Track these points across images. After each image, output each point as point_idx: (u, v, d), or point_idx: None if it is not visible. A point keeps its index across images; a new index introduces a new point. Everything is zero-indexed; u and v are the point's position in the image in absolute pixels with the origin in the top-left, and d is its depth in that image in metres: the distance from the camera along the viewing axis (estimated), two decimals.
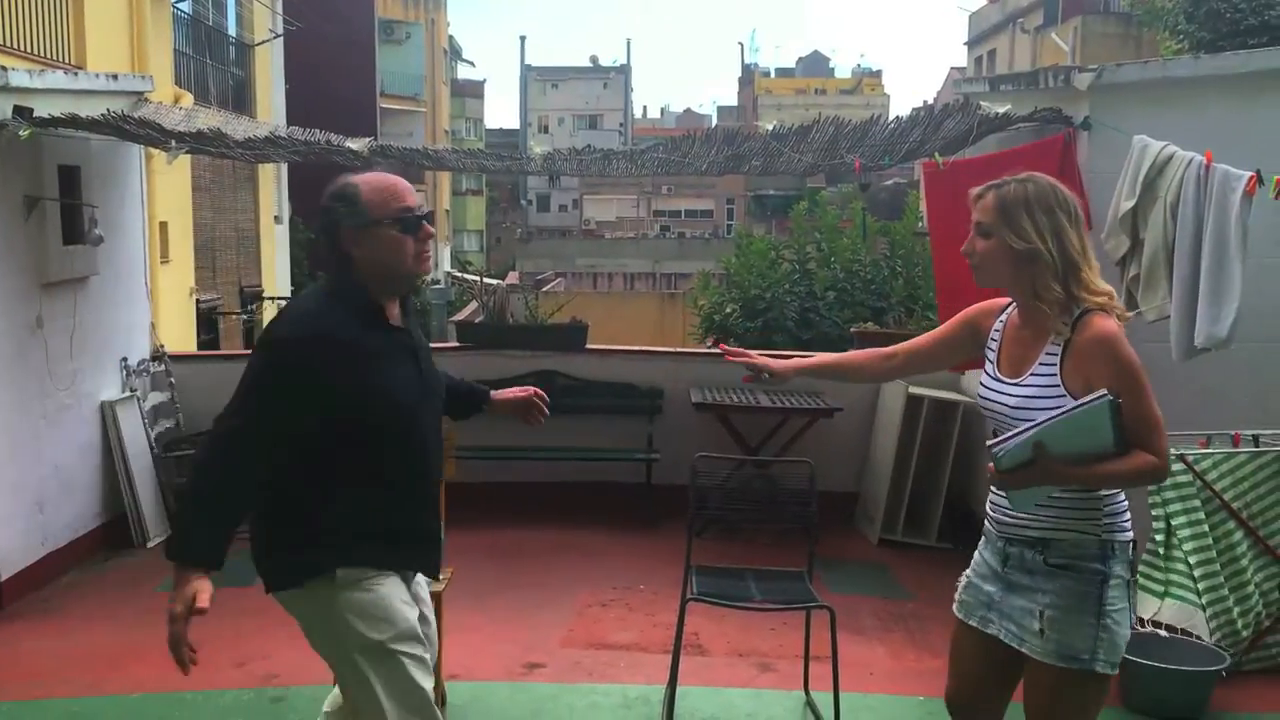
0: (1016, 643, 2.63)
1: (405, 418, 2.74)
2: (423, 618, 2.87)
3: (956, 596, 2.84)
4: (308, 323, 2.70)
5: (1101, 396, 2.44)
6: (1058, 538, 2.58)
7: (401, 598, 2.75)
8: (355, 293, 2.72)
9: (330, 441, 2.65)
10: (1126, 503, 2.63)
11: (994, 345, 2.76)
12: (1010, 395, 2.65)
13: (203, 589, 2.60)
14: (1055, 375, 2.57)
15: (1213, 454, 4.76)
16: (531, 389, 3.34)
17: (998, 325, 2.78)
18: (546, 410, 3.33)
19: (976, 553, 2.82)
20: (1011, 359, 2.69)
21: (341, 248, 2.72)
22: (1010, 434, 2.53)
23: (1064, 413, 2.48)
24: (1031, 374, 2.61)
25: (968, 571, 2.82)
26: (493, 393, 3.36)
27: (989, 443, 2.58)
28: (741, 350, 3.17)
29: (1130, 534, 2.61)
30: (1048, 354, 2.59)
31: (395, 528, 2.76)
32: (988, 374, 2.75)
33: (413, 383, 2.81)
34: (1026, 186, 2.61)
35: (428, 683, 2.72)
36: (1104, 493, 2.58)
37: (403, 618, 2.71)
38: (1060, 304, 2.57)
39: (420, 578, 2.96)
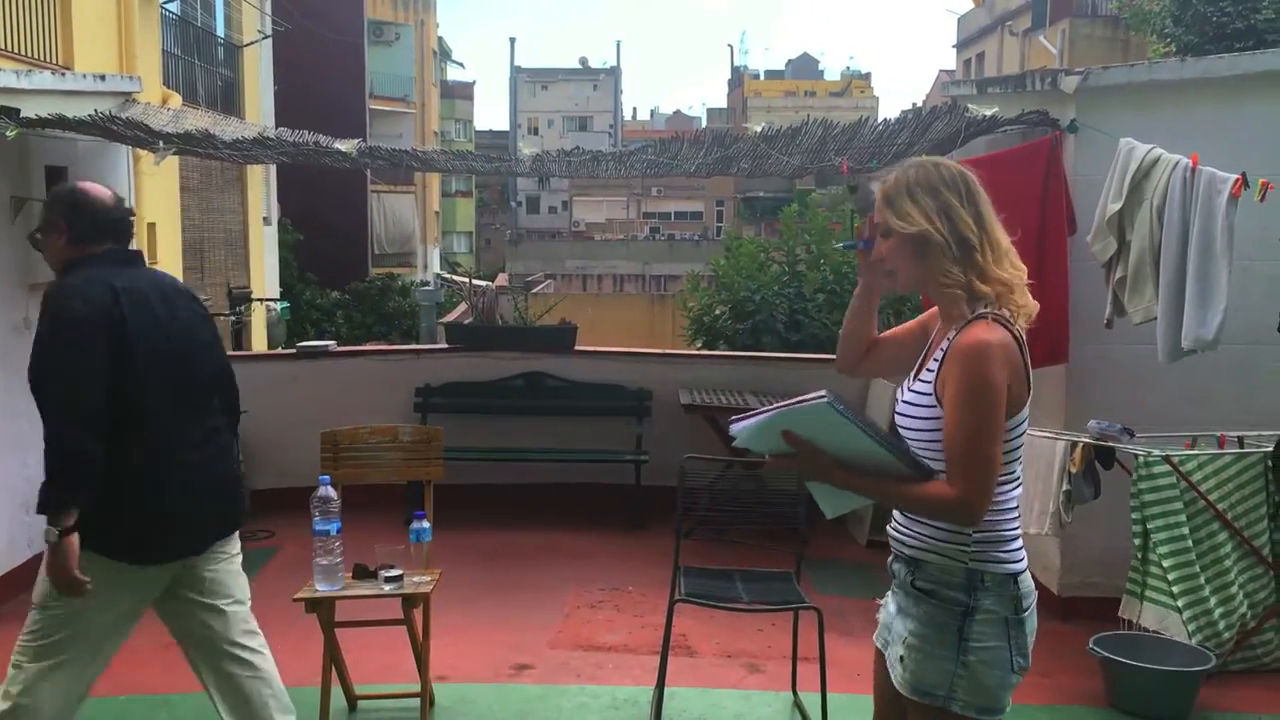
0: (890, 669, 2.44)
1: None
2: None
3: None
4: None
5: (820, 396, 2.23)
6: (925, 559, 2.36)
7: None
8: None
9: None
10: (1015, 532, 2.36)
11: (928, 348, 2.52)
12: (899, 400, 2.47)
13: None
14: (933, 382, 2.34)
15: (1198, 455, 4.78)
16: None
17: (938, 327, 2.51)
18: None
19: None
20: (924, 362, 2.47)
21: None
22: (749, 414, 2.34)
23: (787, 404, 2.29)
24: (919, 379, 2.41)
25: (888, 591, 2.58)
26: None
27: (732, 418, 2.40)
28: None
29: (1016, 568, 2.33)
30: (934, 360, 2.38)
31: None
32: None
33: None
34: (908, 172, 2.40)
35: None
36: None
37: None
38: (963, 289, 2.32)
39: None
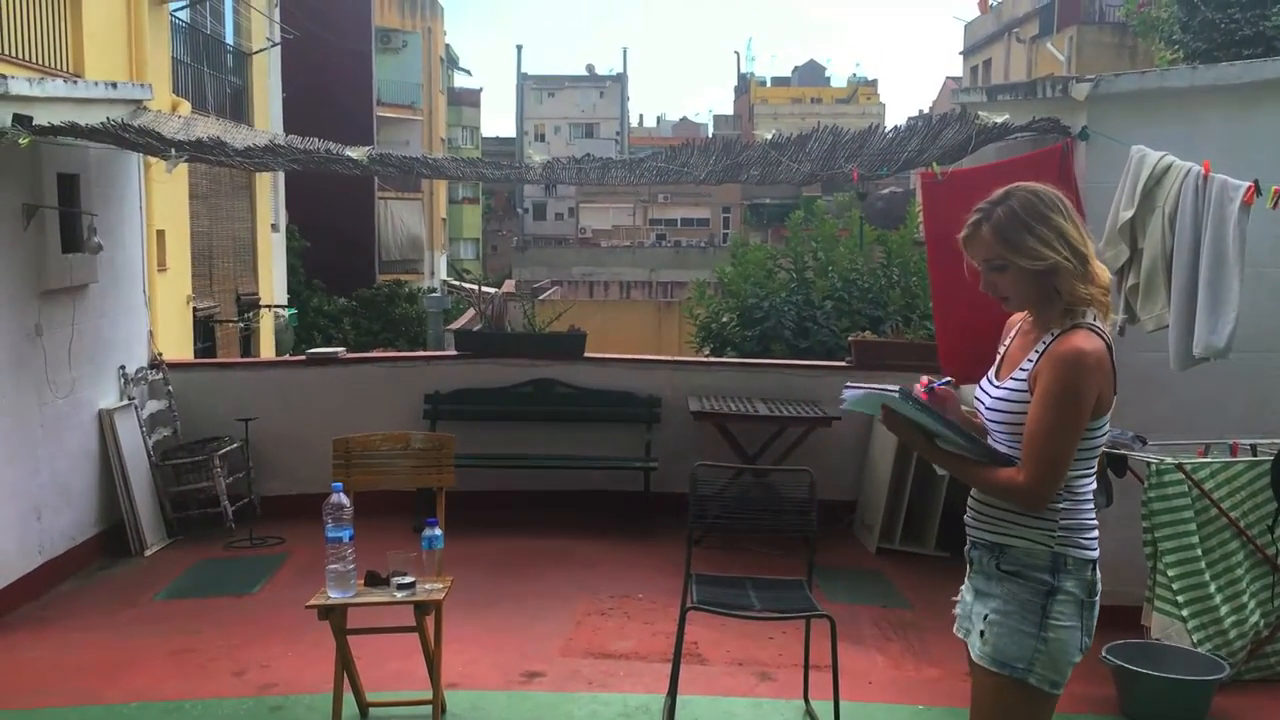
0: (971, 649, 2.60)
1: None
2: None
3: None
4: None
5: (892, 391, 2.52)
6: (1010, 544, 2.54)
7: None
8: None
9: None
10: (1093, 521, 2.56)
11: (1003, 348, 2.73)
12: (989, 396, 2.62)
13: None
14: (1027, 379, 2.52)
15: (1210, 463, 4.77)
16: None
17: (1013, 330, 2.74)
18: None
19: None
20: (1010, 361, 2.65)
21: None
22: (862, 384, 2.60)
23: (869, 387, 2.57)
24: (1011, 377, 2.58)
25: (963, 585, 2.76)
26: None
27: (848, 383, 2.66)
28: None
29: (1092, 553, 2.54)
30: (1028, 360, 2.55)
31: None
32: (988, 375, 2.72)
33: None
34: (1011, 205, 2.52)
35: None
36: (1062, 505, 2.51)
37: None
38: (1087, 302, 2.51)
39: None
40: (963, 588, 2.72)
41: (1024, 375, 2.54)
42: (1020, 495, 2.47)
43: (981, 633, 2.54)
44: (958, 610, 2.73)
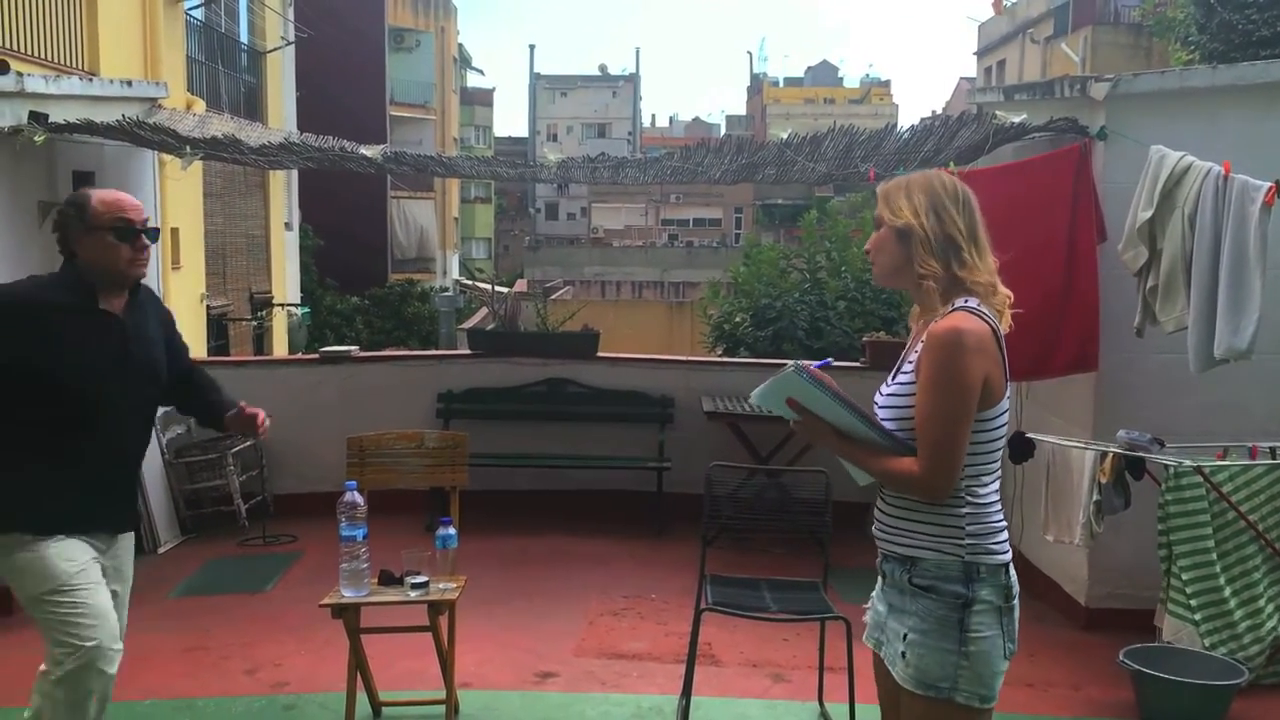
0: (890, 666, 2.48)
1: (85, 381, 3.14)
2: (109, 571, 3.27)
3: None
4: (9, 286, 3.30)
5: (787, 364, 2.42)
6: (921, 556, 2.42)
7: (65, 555, 3.10)
8: (71, 279, 3.25)
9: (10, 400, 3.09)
10: (1002, 523, 2.45)
11: (907, 347, 2.62)
12: (881, 397, 2.52)
13: None
14: (913, 370, 2.42)
15: (1229, 466, 4.73)
16: (259, 411, 3.68)
17: (915, 329, 2.63)
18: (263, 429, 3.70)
19: None
20: (906, 357, 2.56)
21: (69, 246, 3.26)
22: (769, 379, 2.47)
23: (772, 379, 2.45)
24: (900, 373, 2.49)
25: (873, 592, 2.64)
26: (227, 414, 3.71)
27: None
28: None
29: (1004, 557, 2.43)
30: (915, 353, 2.45)
31: (69, 498, 3.15)
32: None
33: (106, 357, 3.19)
34: (911, 176, 2.51)
35: (95, 620, 3.07)
36: (965, 510, 2.40)
37: (60, 572, 3.07)
38: (941, 282, 2.42)
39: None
40: (874, 595, 2.61)
41: (911, 367, 2.44)
42: (917, 487, 2.38)
43: (903, 654, 2.42)
44: (867, 619, 2.63)
